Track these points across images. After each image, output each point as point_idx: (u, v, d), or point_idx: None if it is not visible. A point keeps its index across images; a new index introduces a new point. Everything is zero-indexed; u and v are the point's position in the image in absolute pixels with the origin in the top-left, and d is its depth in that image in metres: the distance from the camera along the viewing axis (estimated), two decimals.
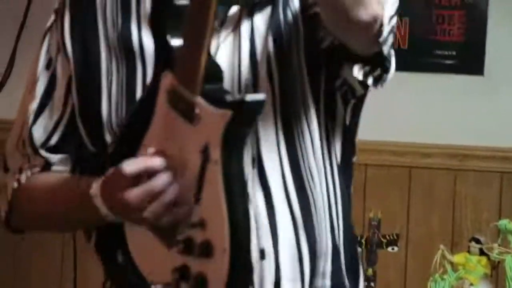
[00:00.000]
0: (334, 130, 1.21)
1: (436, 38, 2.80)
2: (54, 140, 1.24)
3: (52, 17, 1.26)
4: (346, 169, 1.24)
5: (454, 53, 2.78)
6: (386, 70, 1.15)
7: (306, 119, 1.17)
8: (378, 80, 1.15)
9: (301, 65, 1.17)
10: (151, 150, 1.04)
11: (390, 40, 1.14)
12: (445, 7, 2.76)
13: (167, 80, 1.05)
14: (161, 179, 1.02)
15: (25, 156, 1.25)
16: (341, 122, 1.22)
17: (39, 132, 1.24)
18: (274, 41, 1.16)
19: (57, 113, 1.24)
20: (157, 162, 1.03)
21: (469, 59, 2.80)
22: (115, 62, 1.19)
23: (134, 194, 1.01)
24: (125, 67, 1.18)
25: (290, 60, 1.17)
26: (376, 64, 1.13)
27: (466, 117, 2.81)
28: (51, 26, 1.26)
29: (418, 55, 2.80)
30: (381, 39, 1.09)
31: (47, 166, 1.25)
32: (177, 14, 1.06)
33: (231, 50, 1.16)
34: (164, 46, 1.09)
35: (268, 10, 1.18)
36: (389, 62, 1.15)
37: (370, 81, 1.14)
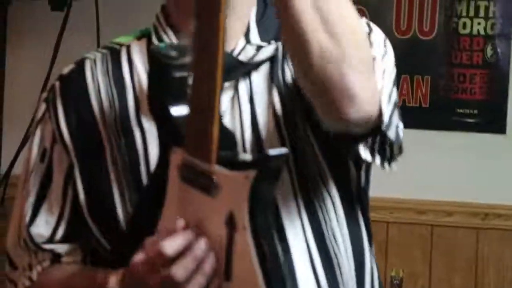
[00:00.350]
0: (352, 191, 1.19)
1: (457, 97, 2.79)
2: (59, 235, 1.20)
3: (43, 107, 1.21)
4: (367, 228, 1.22)
5: (475, 111, 2.78)
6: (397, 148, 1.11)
7: (323, 182, 1.14)
8: (389, 159, 1.11)
9: (307, 129, 1.13)
10: (180, 223, 0.99)
11: (395, 120, 1.10)
12: (466, 65, 2.76)
13: (177, 155, 1.00)
14: (200, 248, 0.97)
15: (30, 252, 1.21)
16: (355, 183, 1.20)
17: (41, 229, 1.19)
18: (280, 100, 1.13)
19: (57, 207, 1.19)
20: (191, 234, 0.98)
21: (491, 117, 2.79)
22: (116, 144, 1.16)
23: (181, 268, 0.95)
24: (126, 147, 1.15)
25: (296, 121, 1.13)
26: (383, 144, 1.09)
27: (488, 175, 2.79)
28: (42, 116, 1.21)
29: (439, 113, 2.78)
30: (383, 127, 1.06)
31: (56, 258, 1.21)
32: (178, 86, 1.03)
33: (231, 114, 1.13)
34: (167, 121, 1.05)
35: (265, 68, 1.15)
36: (398, 142, 1.11)
37: (378, 161, 1.10)
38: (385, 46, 1.15)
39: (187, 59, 1.01)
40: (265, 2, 1.18)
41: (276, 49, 1.16)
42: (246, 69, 1.15)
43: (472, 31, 2.76)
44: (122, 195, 1.14)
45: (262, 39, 1.16)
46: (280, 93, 1.14)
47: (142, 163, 1.14)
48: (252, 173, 0.91)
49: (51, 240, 1.20)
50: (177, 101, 1.03)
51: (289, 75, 1.15)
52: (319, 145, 1.13)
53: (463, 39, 2.76)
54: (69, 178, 1.18)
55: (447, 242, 2.81)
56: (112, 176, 1.15)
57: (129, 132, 1.15)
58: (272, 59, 1.15)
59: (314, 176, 1.13)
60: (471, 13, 2.76)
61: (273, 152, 0.95)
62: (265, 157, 0.96)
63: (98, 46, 2.66)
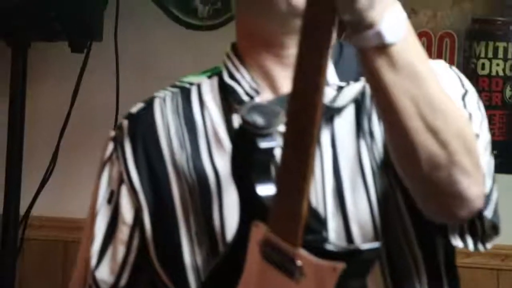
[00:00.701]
0: (440, 269, 1.14)
1: None
2: (123, 282, 1.17)
3: (111, 146, 1.18)
4: None
5: (495, 152, 2.76)
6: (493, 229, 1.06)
7: (417, 273, 1.09)
8: (483, 242, 1.07)
9: (400, 206, 1.08)
10: None
11: (495, 196, 1.06)
12: (485, 106, 2.74)
13: (259, 230, 0.95)
14: None
15: None
16: (444, 260, 1.15)
17: (104, 275, 1.16)
18: (369, 161, 1.08)
19: (122, 252, 1.16)
20: None
21: (511, 158, 2.78)
22: (187, 188, 1.12)
23: None
24: (199, 195, 1.11)
25: (387, 194, 1.08)
26: (477, 230, 1.04)
27: (508, 216, 2.76)
28: (110, 156, 1.18)
29: None
30: (484, 211, 1.02)
31: None
32: (263, 159, 1.00)
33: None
34: (250, 194, 1.00)
35: (350, 114, 1.10)
36: (495, 219, 1.07)
37: (471, 247, 1.06)
38: (479, 108, 1.12)
39: (275, 128, 0.98)
40: (341, 43, 1.15)
41: (361, 92, 1.12)
42: (328, 114, 1.09)
43: (491, 72, 2.75)
44: (191, 240, 1.11)
45: (341, 80, 1.13)
46: (368, 150, 1.10)
47: (215, 208, 1.10)
48: (340, 266, 0.86)
49: (114, 287, 1.17)
50: (262, 175, 0.99)
51: (377, 128, 1.10)
52: (413, 226, 1.09)
53: (481, 80, 2.75)
54: (136, 222, 1.16)
55: (467, 283, 2.75)
56: (181, 220, 1.12)
57: (202, 175, 1.12)
58: (356, 104, 1.12)
59: (407, 268, 1.09)
60: (490, 54, 2.75)
61: (365, 246, 0.90)
62: (356, 251, 0.90)
63: (118, 88, 2.68)
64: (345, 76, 1.12)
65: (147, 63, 2.84)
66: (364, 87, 1.11)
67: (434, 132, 0.91)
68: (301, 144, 0.87)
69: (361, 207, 1.07)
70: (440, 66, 1.15)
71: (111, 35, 2.69)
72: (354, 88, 1.11)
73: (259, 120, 0.98)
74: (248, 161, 1.00)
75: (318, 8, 0.85)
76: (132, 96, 2.86)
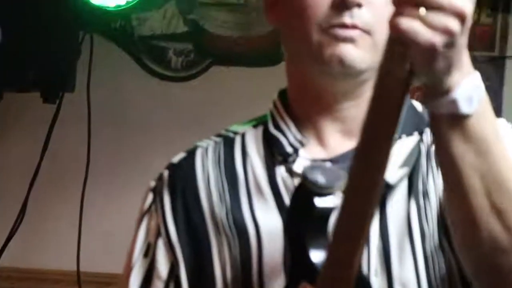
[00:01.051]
0: None
1: None
2: None
3: (150, 197, 1.16)
4: None
5: None
6: None
7: None
8: None
9: (450, 264, 1.04)
10: None
11: None
12: None
13: None
14: None
15: None
16: None
17: None
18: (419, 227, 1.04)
19: None
20: None
21: None
22: (226, 242, 1.09)
23: None
24: (238, 250, 1.08)
25: (434, 251, 1.04)
26: None
27: None
28: (149, 208, 1.16)
29: None
30: None
31: None
32: (320, 219, 0.97)
33: None
34: (302, 258, 0.98)
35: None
36: None
37: None
38: None
39: (335, 189, 0.94)
40: None
41: (417, 149, 1.09)
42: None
43: None
44: None
45: None
46: (420, 211, 1.07)
47: (255, 265, 1.07)
48: None
49: None
50: (316, 239, 0.96)
51: (433, 189, 1.07)
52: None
53: None
54: (171, 276, 1.12)
55: None
56: (219, 277, 1.10)
57: (242, 229, 1.09)
58: (410, 160, 1.09)
59: None
60: None
61: None
62: None
63: (89, 139, 2.68)
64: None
65: (120, 114, 2.83)
66: (418, 144, 1.09)
67: (499, 213, 0.87)
68: (357, 216, 0.85)
69: (406, 269, 1.04)
70: (503, 126, 1.09)
71: (84, 86, 2.69)
72: (410, 141, 1.08)
73: (320, 178, 0.95)
74: (304, 221, 0.98)
75: (390, 77, 0.80)
76: (104, 148, 2.86)
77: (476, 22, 2.77)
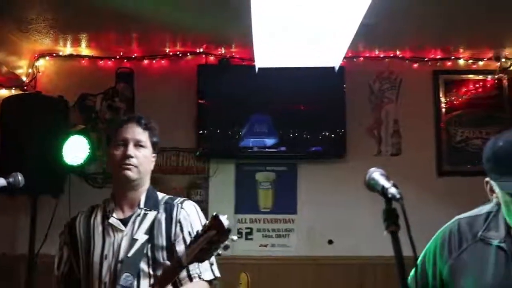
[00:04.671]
0: None
1: None
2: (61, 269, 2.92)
3: (63, 230, 2.97)
4: None
5: None
6: None
7: None
8: None
9: None
10: None
11: None
12: None
13: None
14: None
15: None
16: None
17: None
18: None
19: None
20: None
21: None
22: (83, 247, 2.96)
23: None
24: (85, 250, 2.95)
25: None
26: None
27: None
28: (61, 233, 2.95)
29: None
30: None
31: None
32: None
33: None
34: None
35: None
36: None
37: None
38: None
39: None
40: None
41: (155, 219, 3.13)
42: None
43: None
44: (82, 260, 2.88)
45: None
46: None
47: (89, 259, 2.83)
48: None
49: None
50: None
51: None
52: None
53: None
54: (68, 259, 2.90)
55: None
56: (81, 261, 2.83)
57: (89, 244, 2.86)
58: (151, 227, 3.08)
59: None
60: None
61: None
62: None
63: None
64: None
65: None
66: (156, 216, 3.09)
67: None
68: None
69: None
70: None
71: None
72: (150, 218, 3.19)
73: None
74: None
75: None
76: None
77: None
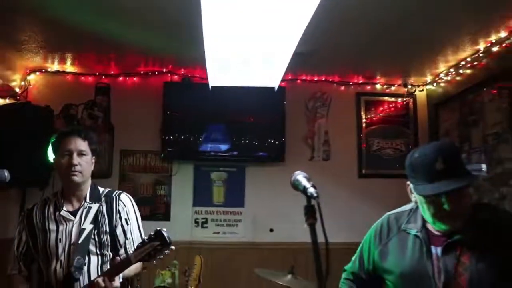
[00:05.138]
0: None
1: None
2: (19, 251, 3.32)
3: (21, 218, 3.32)
4: None
5: None
6: None
7: None
8: None
9: None
10: None
11: None
12: None
13: None
14: None
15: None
16: None
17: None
18: None
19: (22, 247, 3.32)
20: None
21: None
22: (40, 233, 3.31)
23: None
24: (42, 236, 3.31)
25: None
26: None
27: None
28: (20, 222, 3.31)
29: None
30: None
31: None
32: None
33: None
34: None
35: None
36: None
37: None
38: None
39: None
40: None
41: (99, 210, 3.24)
42: None
43: None
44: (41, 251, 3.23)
45: None
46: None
47: (43, 243, 3.18)
48: None
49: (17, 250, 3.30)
50: None
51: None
52: None
53: None
54: (25, 242, 3.25)
55: None
56: (40, 240, 3.17)
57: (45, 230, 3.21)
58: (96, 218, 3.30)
59: None
60: None
61: None
62: None
63: None
64: None
65: None
66: (99, 207, 3.43)
67: None
68: None
69: None
70: None
71: None
72: (94, 210, 3.41)
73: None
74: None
75: None
76: None
77: None
